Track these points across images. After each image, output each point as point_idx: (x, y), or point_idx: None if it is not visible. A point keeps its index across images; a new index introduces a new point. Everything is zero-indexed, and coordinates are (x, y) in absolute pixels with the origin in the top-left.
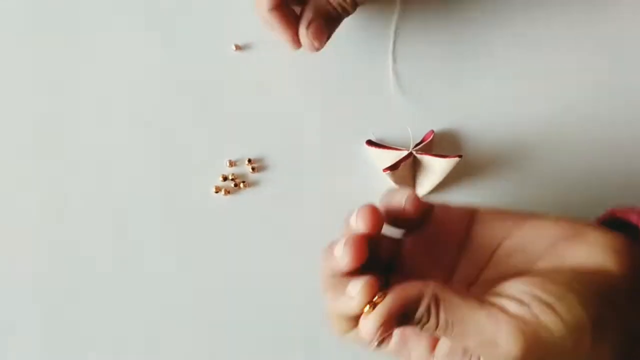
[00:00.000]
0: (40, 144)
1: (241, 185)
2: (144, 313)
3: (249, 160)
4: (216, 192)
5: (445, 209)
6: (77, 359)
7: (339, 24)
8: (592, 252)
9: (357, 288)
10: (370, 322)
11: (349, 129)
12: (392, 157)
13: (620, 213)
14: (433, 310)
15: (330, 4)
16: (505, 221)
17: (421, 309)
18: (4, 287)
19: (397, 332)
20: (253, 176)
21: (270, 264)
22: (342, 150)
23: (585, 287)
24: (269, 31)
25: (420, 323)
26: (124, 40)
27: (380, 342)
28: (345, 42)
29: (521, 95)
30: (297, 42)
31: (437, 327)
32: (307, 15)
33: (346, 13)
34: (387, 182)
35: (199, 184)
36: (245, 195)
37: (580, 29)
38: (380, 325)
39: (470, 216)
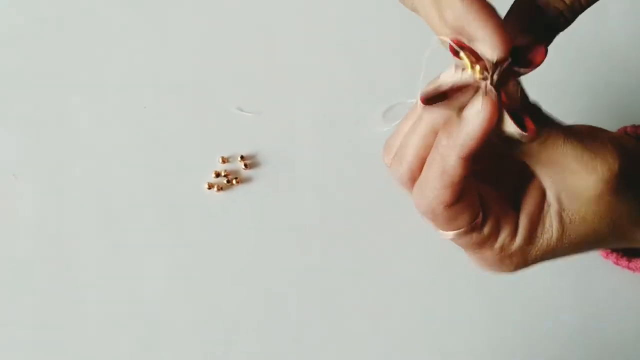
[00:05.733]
0: (33, 141)
1: (234, 181)
2: (136, 308)
3: (242, 157)
4: (209, 188)
5: None
6: (70, 356)
7: None
8: None
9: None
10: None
11: (341, 125)
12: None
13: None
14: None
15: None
16: None
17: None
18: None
19: (492, 214)
20: (245, 173)
21: (262, 260)
22: (335, 146)
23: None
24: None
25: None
26: (119, 38)
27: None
28: (339, 36)
29: None
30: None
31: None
32: None
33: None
34: (380, 179)
35: (192, 181)
36: (238, 191)
37: None
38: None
39: None
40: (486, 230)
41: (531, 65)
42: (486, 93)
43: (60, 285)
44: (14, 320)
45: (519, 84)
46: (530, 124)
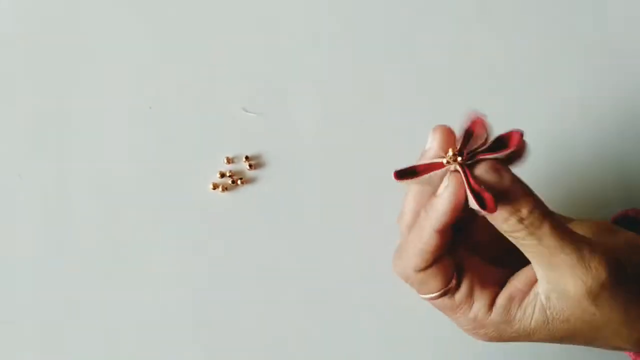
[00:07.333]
0: (38, 141)
1: (238, 182)
2: (141, 310)
3: (247, 157)
4: (213, 188)
5: None
6: (70, 356)
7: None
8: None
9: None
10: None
11: (346, 126)
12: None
13: (633, 212)
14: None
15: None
16: None
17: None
18: (1, 285)
19: (466, 282)
20: (250, 173)
21: (266, 261)
22: (339, 147)
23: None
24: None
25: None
26: (123, 37)
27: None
28: (345, 37)
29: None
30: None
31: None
32: None
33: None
34: (385, 180)
35: (197, 181)
36: (243, 192)
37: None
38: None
39: None
40: (458, 297)
41: (507, 149)
42: (453, 172)
43: (64, 284)
44: (14, 320)
45: (492, 167)
46: (490, 203)
